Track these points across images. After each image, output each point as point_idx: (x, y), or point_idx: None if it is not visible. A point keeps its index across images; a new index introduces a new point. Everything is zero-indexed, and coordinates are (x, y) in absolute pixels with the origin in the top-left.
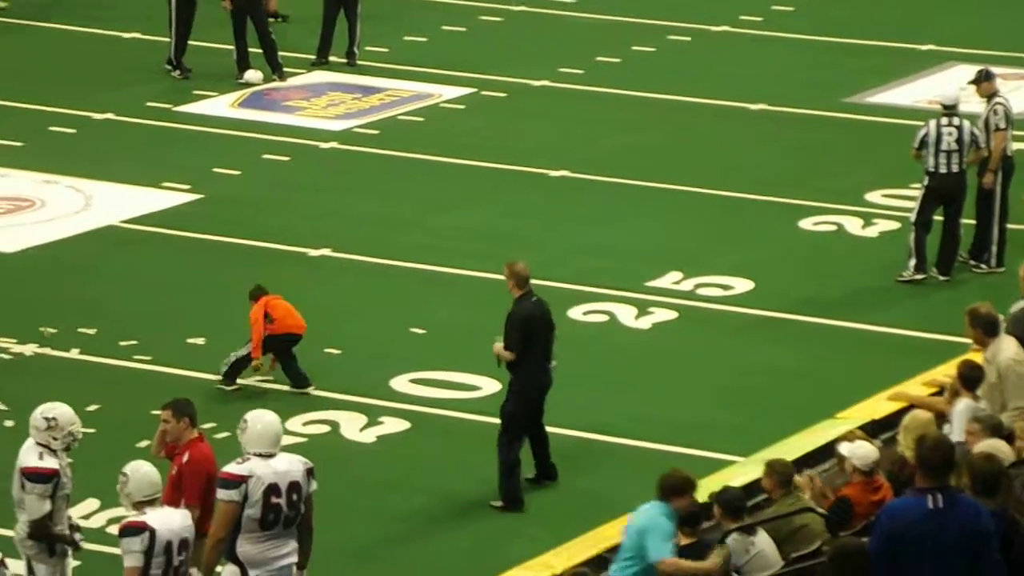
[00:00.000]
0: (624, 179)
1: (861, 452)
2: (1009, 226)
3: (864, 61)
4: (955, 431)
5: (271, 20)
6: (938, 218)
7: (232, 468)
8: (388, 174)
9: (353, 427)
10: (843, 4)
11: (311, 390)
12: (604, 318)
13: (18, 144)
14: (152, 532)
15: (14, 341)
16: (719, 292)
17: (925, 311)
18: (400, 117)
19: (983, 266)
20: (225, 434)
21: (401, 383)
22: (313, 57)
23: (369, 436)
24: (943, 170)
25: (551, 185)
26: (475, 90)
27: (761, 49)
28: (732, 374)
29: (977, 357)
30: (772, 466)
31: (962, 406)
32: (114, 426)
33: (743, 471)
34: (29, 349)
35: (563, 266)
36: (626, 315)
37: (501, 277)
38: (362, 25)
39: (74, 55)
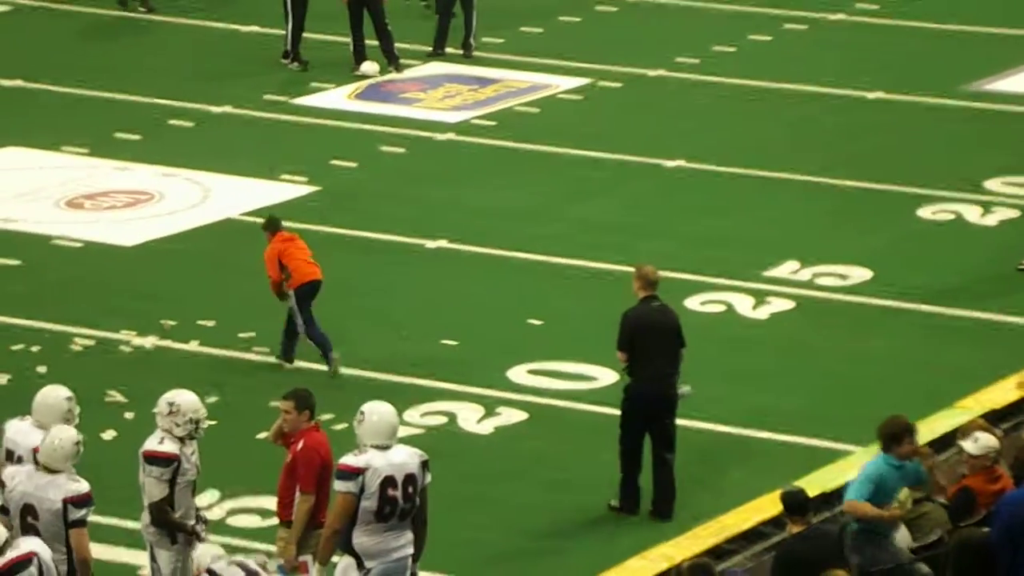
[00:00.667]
0: (740, 168)
1: (981, 442)
2: None
3: (983, 48)
4: None
5: (423, 4)
6: None
7: (349, 460)
8: (504, 165)
9: (470, 418)
10: None
11: (335, 360)
12: (721, 308)
13: (137, 138)
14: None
15: (134, 334)
16: (837, 281)
17: None
18: (516, 108)
19: None
20: (343, 425)
21: (518, 374)
22: (429, 48)
23: (486, 427)
24: None
25: (667, 175)
26: (591, 80)
27: (878, 37)
28: (850, 364)
29: None
30: None
31: None
32: (234, 417)
33: (862, 461)
34: (149, 342)
35: (679, 256)
36: (743, 305)
37: (618, 267)
38: (478, 16)
39: (193, 49)
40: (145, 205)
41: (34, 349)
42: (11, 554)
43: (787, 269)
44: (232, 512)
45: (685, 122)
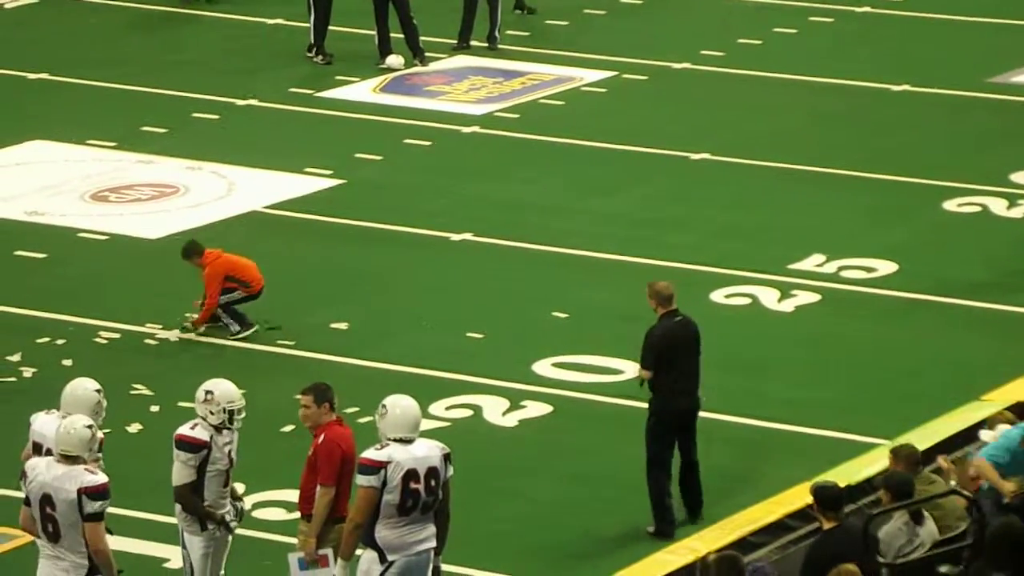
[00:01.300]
0: (765, 162)
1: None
2: None
3: (1009, 40)
4: None
5: (518, 12)
6: None
7: (371, 454)
8: (529, 158)
9: (495, 411)
10: None
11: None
12: (747, 301)
13: (162, 131)
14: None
15: (159, 327)
16: (863, 275)
17: None
18: (541, 101)
19: None
20: (368, 419)
21: (544, 367)
22: (454, 42)
23: (511, 420)
24: None
25: (692, 168)
26: (616, 73)
27: (904, 29)
28: (876, 357)
29: None
30: (897, 451)
31: None
32: (258, 411)
33: (886, 454)
34: (174, 335)
35: (705, 249)
36: (769, 298)
37: (643, 260)
38: (503, 9)
39: (218, 42)
40: (170, 198)
41: (59, 342)
42: None
43: (812, 262)
44: (257, 505)
45: (710, 115)
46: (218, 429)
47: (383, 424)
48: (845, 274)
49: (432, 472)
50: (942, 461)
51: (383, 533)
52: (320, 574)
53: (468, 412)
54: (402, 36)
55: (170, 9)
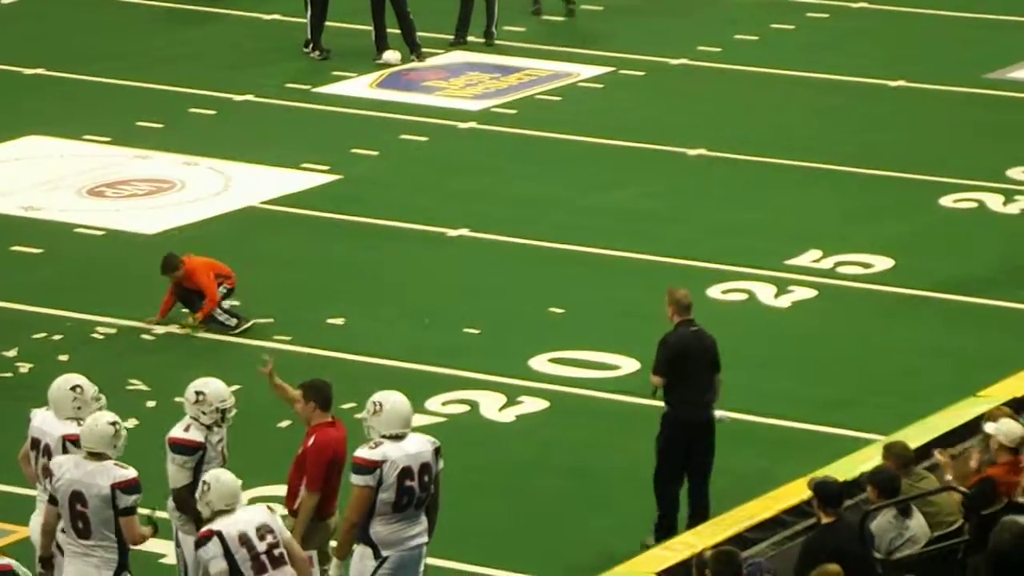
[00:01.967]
0: (762, 157)
1: (1005, 429)
2: None
3: (1005, 36)
4: None
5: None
6: None
7: (365, 454)
8: (526, 154)
9: (492, 406)
10: None
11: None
12: (743, 297)
13: (159, 126)
14: (219, 534)
15: (156, 321)
16: (859, 270)
17: None
18: (538, 97)
19: None
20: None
21: (540, 362)
22: (451, 37)
23: (508, 415)
24: None
25: (689, 164)
26: (613, 69)
27: (900, 25)
28: (872, 352)
29: None
30: (890, 448)
31: None
32: (255, 406)
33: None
34: (170, 329)
35: (701, 245)
36: (765, 294)
37: (640, 256)
38: (500, 5)
39: (215, 37)
40: (167, 193)
41: (56, 337)
42: None
43: (809, 258)
44: (252, 501)
45: (707, 111)
46: (210, 428)
47: (375, 421)
48: (841, 270)
49: (425, 468)
50: (938, 455)
51: (377, 528)
52: None
53: (465, 408)
54: (399, 31)
55: (167, 5)
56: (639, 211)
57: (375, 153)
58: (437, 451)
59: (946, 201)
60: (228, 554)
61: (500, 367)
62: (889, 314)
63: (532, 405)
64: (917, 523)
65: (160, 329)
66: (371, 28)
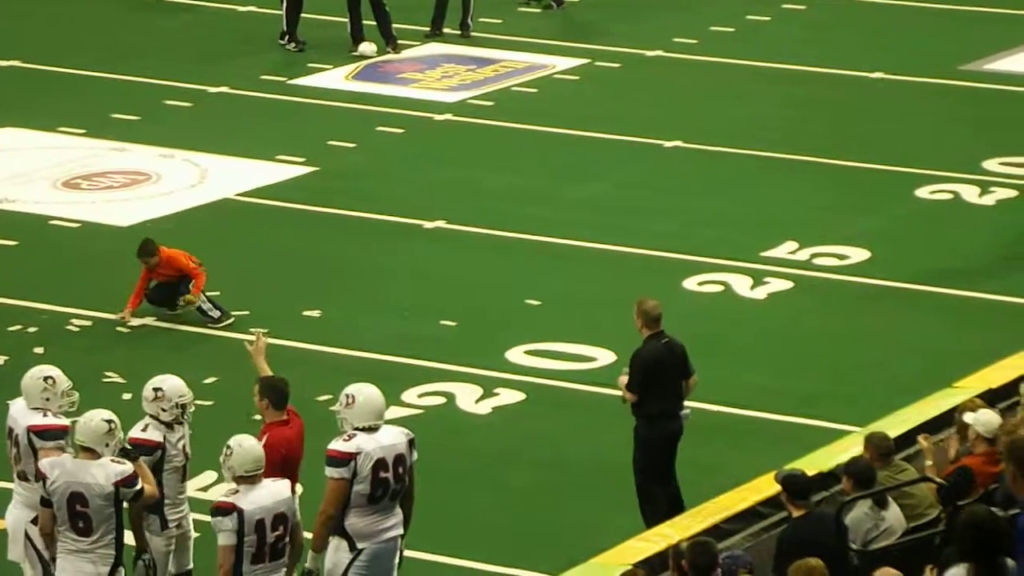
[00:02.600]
0: (738, 149)
1: (984, 419)
2: None
3: (982, 28)
4: None
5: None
6: None
7: (339, 446)
8: (502, 146)
9: (468, 399)
10: None
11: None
12: (719, 288)
13: (134, 118)
14: (240, 512)
15: (127, 315)
16: (835, 262)
17: None
18: (514, 88)
19: None
20: None
21: (516, 355)
22: (427, 29)
23: (484, 407)
24: None
25: (665, 156)
26: (589, 61)
27: (877, 17)
28: (848, 344)
29: None
30: (870, 439)
31: None
32: (231, 398)
33: (858, 441)
34: (146, 322)
35: (677, 237)
36: (741, 285)
37: (615, 248)
38: None
39: (190, 29)
40: (142, 186)
41: (31, 330)
42: None
43: (785, 249)
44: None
45: (683, 102)
46: (170, 426)
47: (349, 413)
48: (818, 261)
49: (399, 459)
50: (922, 440)
51: (352, 521)
52: None
53: (441, 400)
54: (375, 23)
55: None
56: (615, 203)
57: (351, 145)
58: (411, 443)
59: (922, 193)
60: (239, 534)
61: (476, 359)
62: (865, 306)
63: (508, 397)
64: (893, 514)
65: (136, 321)
66: (347, 20)
